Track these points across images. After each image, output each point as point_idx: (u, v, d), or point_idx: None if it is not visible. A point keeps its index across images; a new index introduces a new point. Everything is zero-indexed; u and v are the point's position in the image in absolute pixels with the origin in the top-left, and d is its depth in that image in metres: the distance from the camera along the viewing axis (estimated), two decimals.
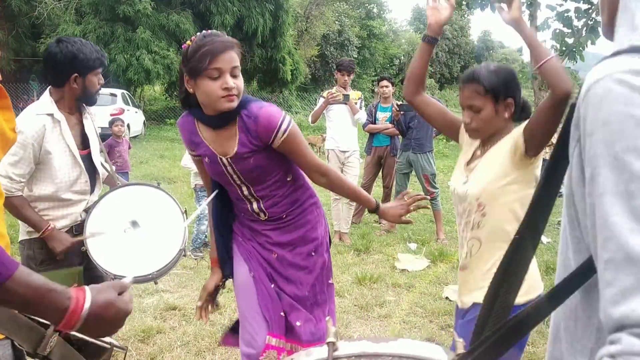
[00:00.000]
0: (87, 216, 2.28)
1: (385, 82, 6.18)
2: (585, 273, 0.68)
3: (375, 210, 2.04)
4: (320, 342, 2.01)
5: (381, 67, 31.34)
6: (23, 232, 2.27)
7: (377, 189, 7.15)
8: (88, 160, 2.33)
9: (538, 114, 1.71)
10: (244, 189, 1.97)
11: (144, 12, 17.05)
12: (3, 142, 1.12)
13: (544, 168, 0.74)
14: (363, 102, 5.82)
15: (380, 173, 6.41)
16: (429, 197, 5.86)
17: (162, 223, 2.32)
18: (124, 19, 17.30)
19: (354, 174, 5.74)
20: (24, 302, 0.92)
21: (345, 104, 5.52)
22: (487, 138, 1.84)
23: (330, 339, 0.80)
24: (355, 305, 3.88)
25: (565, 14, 10.44)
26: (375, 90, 7.58)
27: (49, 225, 2.19)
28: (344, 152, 5.61)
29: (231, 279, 2.21)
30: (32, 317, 1.04)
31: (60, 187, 2.22)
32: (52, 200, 2.23)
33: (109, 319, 0.98)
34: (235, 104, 1.79)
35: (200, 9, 19.13)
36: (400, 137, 6.01)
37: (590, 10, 10.08)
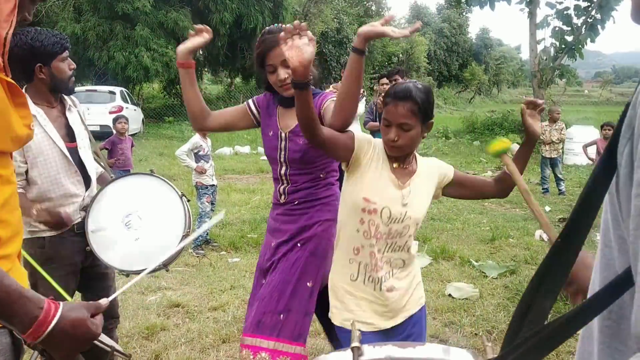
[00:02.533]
0: (86, 214, 2.24)
1: (385, 80, 6.15)
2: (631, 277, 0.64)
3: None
4: (282, 339, 2.03)
5: (379, 65, 31.29)
6: (25, 230, 2.21)
7: None
8: (77, 153, 2.26)
9: (472, 185, 1.97)
10: (283, 168, 2.15)
11: (142, 9, 17.02)
12: (16, 137, 1.12)
13: (593, 171, 0.71)
14: (364, 97, 5.81)
15: None
16: None
17: (161, 211, 2.29)
18: (123, 17, 17.26)
19: None
20: None
21: None
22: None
23: (355, 343, 0.77)
24: None
25: (565, 12, 10.44)
26: (375, 87, 7.56)
27: (33, 212, 2.11)
28: None
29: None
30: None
31: (51, 182, 2.15)
32: (45, 199, 2.16)
33: (75, 337, 0.98)
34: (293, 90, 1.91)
35: (199, 6, 19.11)
36: None
37: (590, 8, 10.09)
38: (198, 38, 2.06)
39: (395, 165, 1.84)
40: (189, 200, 2.36)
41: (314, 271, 2.11)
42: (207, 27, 2.08)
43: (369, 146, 1.83)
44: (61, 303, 0.99)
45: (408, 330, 1.88)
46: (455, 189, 1.94)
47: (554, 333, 0.65)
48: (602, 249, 0.74)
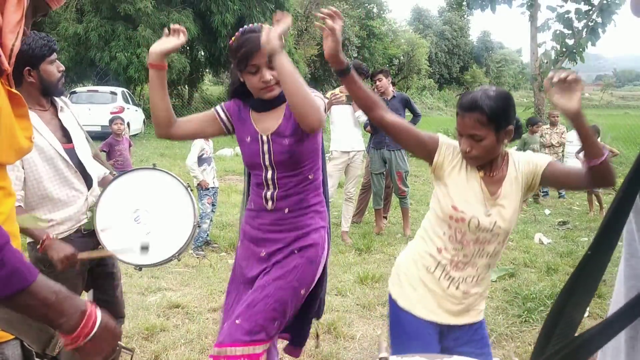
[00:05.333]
0: (93, 214, 2.25)
1: (378, 76, 5.93)
2: None
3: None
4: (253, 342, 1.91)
5: (380, 67, 31.36)
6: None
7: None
8: (74, 154, 2.25)
9: (567, 179, 1.74)
10: (269, 172, 2.04)
11: (144, 10, 17.05)
12: (18, 149, 1.12)
13: (623, 182, 0.70)
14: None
15: None
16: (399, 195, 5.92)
17: (169, 202, 2.30)
18: (125, 17, 17.29)
19: (356, 175, 5.76)
20: (46, 305, 0.93)
21: (349, 104, 5.53)
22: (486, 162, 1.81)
23: (383, 354, 0.77)
24: (357, 304, 3.89)
25: (566, 15, 10.45)
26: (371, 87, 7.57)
27: (46, 236, 2.08)
28: (348, 152, 5.63)
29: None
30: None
31: (50, 185, 2.14)
32: (46, 203, 2.16)
33: (112, 334, 1.01)
34: (276, 92, 1.97)
35: (201, 7, 19.13)
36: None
37: (591, 12, 10.10)
38: (173, 39, 1.96)
39: (481, 174, 1.79)
40: (192, 190, 2.37)
41: (309, 279, 2.06)
42: (183, 28, 2.00)
43: (454, 153, 1.80)
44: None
45: (469, 336, 1.87)
46: (549, 182, 1.79)
47: (585, 344, 0.64)
48: (627, 259, 0.74)
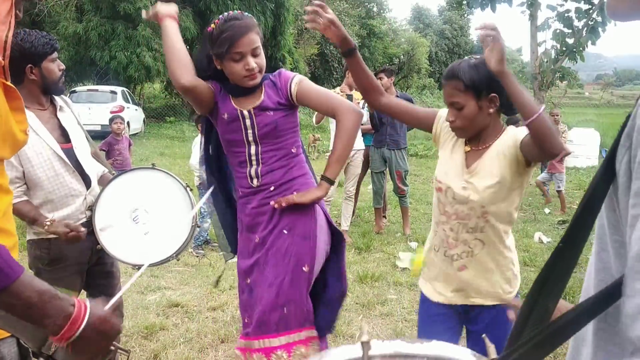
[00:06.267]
0: (92, 213, 2.26)
1: (380, 75, 5.78)
2: None
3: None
4: (290, 331, 1.98)
5: (381, 66, 31.35)
6: (30, 232, 2.23)
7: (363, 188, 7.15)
8: (73, 154, 2.25)
9: (530, 148, 1.67)
10: (252, 148, 2.03)
11: (144, 9, 17.01)
12: (13, 143, 1.11)
13: (594, 177, 0.73)
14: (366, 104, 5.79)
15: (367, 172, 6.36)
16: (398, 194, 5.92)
17: (167, 202, 2.30)
18: (125, 17, 17.27)
19: (355, 173, 5.78)
20: (29, 305, 0.91)
21: None
22: (474, 135, 1.81)
23: (364, 338, 0.77)
24: (357, 303, 3.89)
25: (566, 14, 10.44)
26: None
27: (46, 222, 2.12)
28: None
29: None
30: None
31: (49, 185, 2.14)
32: (45, 203, 2.16)
33: (103, 333, 0.99)
34: (258, 80, 1.98)
35: (201, 7, 19.12)
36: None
37: (591, 11, 10.09)
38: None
39: (467, 148, 1.83)
40: (191, 190, 2.37)
41: (307, 255, 2.04)
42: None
43: (448, 127, 1.85)
44: (85, 299, 0.99)
45: (483, 321, 1.86)
46: (525, 152, 1.71)
47: (554, 334, 0.67)
48: (598, 252, 0.76)
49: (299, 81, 2.03)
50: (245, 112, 2.00)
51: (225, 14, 1.97)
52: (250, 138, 2.02)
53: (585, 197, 0.71)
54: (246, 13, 2.00)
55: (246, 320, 2.13)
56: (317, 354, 0.83)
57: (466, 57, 1.79)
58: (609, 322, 0.72)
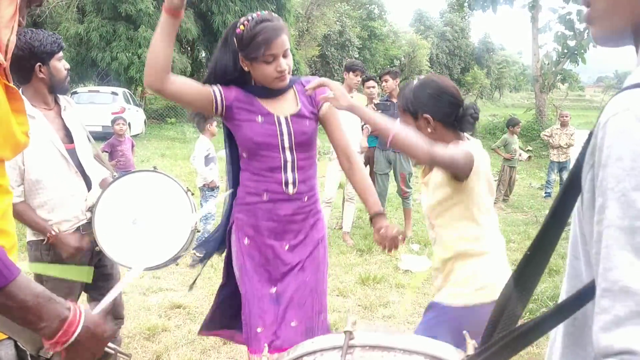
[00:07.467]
0: (92, 215, 2.25)
1: (371, 83, 5.93)
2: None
3: (375, 215, 2.01)
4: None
5: (382, 68, 31.34)
6: (30, 233, 2.23)
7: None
8: (75, 154, 2.25)
9: None
10: (288, 154, 2.00)
11: (145, 10, 17.06)
12: (15, 145, 1.11)
13: (560, 189, 0.76)
14: (368, 104, 5.80)
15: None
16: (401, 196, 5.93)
17: (168, 206, 2.29)
18: (126, 18, 17.30)
19: None
20: (24, 308, 0.90)
21: None
22: None
23: (348, 327, 0.81)
24: (359, 305, 3.89)
25: (567, 17, 10.46)
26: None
27: (52, 232, 2.13)
28: None
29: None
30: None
31: (50, 185, 2.14)
32: (46, 203, 2.16)
33: (97, 336, 0.98)
34: (287, 81, 1.99)
35: (202, 8, 19.14)
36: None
37: None
38: None
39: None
40: (192, 194, 2.37)
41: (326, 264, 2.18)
42: None
43: None
44: (79, 304, 0.99)
45: (427, 315, 1.95)
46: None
47: (522, 335, 0.72)
48: (571, 260, 0.80)
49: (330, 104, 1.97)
50: (282, 118, 1.99)
51: (253, 14, 1.93)
52: (287, 144, 1.99)
53: (552, 207, 0.75)
54: (275, 14, 1.98)
55: (263, 330, 2.00)
56: (307, 340, 0.89)
57: (415, 79, 1.87)
58: (577, 325, 0.77)
